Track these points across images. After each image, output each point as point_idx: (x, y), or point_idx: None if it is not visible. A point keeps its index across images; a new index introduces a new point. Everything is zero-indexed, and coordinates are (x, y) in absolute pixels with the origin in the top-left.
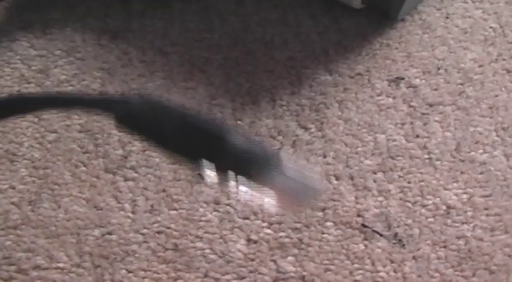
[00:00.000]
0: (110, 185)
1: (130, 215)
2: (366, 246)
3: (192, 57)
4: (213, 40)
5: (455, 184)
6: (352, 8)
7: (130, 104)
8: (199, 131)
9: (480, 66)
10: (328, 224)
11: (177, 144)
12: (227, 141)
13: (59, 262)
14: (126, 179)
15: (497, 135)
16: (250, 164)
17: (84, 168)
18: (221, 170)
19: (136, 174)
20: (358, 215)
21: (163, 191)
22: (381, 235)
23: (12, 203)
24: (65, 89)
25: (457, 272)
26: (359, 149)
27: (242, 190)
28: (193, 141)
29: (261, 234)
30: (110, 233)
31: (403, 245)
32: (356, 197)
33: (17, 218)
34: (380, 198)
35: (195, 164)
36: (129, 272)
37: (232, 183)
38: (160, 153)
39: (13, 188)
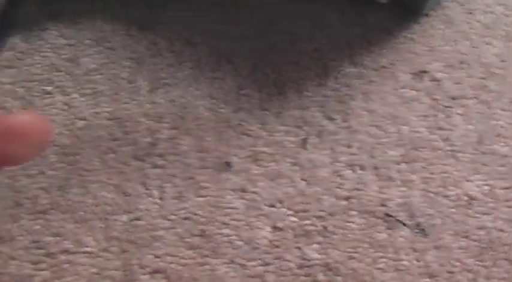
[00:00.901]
0: (138, 171)
1: (158, 201)
2: (389, 235)
3: (220, 47)
4: (239, 31)
5: (476, 176)
6: (377, 3)
7: None
8: None
9: (502, 61)
10: (352, 212)
11: None
12: None
13: (87, 246)
14: (154, 166)
15: None
16: None
17: (112, 155)
18: None
19: (164, 162)
20: (382, 205)
21: (191, 178)
22: (404, 224)
23: (42, 188)
24: (94, 78)
25: (477, 262)
26: (383, 140)
27: None
28: None
29: (286, 222)
30: (137, 219)
31: (426, 234)
32: (380, 187)
33: (46, 203)
34: (403, 188)
35: None
36: (156, 257)
37: None
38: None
39: (43, 173)
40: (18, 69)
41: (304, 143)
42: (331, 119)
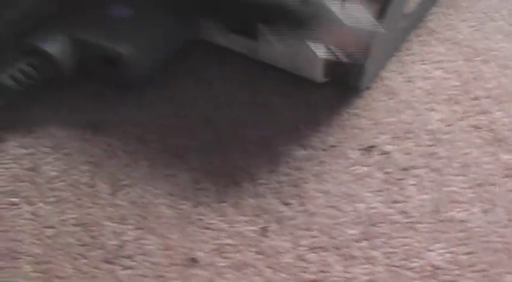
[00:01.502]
0: (109, 274)
1: None
2: None
3: (170, 143)
4: (187, 125)
5: (437, 245)
6: (319, 82)
7: None
8: None
9: (448, 125)
10: None
11: None
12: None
13: None
14: (124, 268)
15: (473, 192)
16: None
17: (84, 260)
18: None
19: (133, 263)
20: None
21: (161, 276)
22: None
23: None
24: (56, 185)
25: None
26: (341, 219)
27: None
28: None
29: None
30: None
31: None
32: (344, 266)
33: None
34: (367, 266)
35: None
36: None
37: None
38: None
39: None
40: None
41: (264, 231)
42: (287, 204)
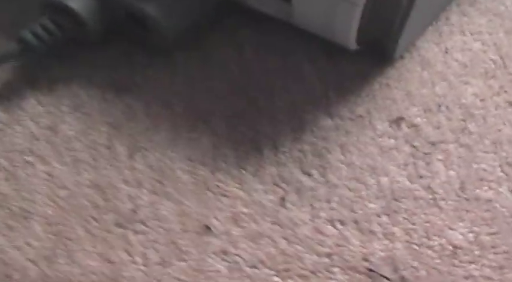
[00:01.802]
0: (121, 238)
1: (142, 267)
2: None
3: (196, 108)
4: (215, 89)
5: (460, 223)
6: (350, 50)
7: None
8: None
9: (482, 100)
10: (335, 269)
11: None
12: None
13: None
14: (136, 233)
15: (502, 171)
16: None
17: (95, 223)
18: None
19: (145, 228)
20: (365, 260)
21: (173, 242)
22: (388, 279)
23: (29, 260)
24: (73, 145)
25: None
26: (363, 193)
27: None
28: None
29: None
30: None
31: None
32: (361, 241)
33: (34, 274)
34: (385, 242)
35: None
36: None
37: None
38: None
39: (29, 244)
40: None
41: (282, 201)
42: (309, 174)
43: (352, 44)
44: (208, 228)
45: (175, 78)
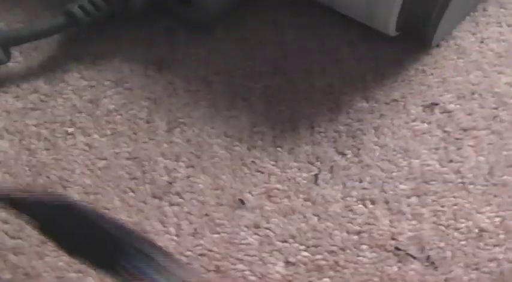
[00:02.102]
0: (156, 209)
1: (175, 238)
2: (399, 268)
3: (234, 85)
4: (254, 68)
5: (488, 207)
6: (388, 35)
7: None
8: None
9: None
10: (364, 247)
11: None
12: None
13: None
14: (171, 204)
15: None
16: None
17: (132, 194)
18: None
19: (181, 200)
20: (393, 238)
21: (207, 215)
22: (414, 258)
23: None
24: (113, 118)
25: None
26: (394, 174)
27: None
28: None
29: (299, 257)
30: None
31: (436, 267)
32: (390, 221)
33: None
34: (414, 222)
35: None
36: None
37: None
38: (202, 180)
39: None
40: (42, 111)
41: (315, 178)
42: (343, 154)
43: (391, 31)
44: (242, 202)
45: (215, 56)
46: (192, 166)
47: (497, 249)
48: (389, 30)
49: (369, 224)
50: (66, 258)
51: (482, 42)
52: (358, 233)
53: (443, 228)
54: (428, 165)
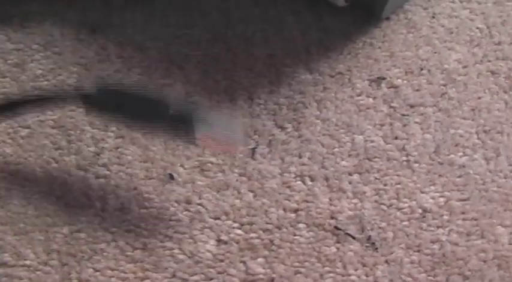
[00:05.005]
0: (80, 182)
1: (100, 213)
2: (338, 248)
3: (171, 53)
4: (193, 36)
5: (432, 187)
6: (336, 6)
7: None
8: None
9: (464, 67)
10: (301, 225)
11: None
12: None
13: (25, 260)
14: (97, 177)
15: (478, 138)
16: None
17: (55, 165)
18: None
19: (108, 172)
20: (332, 217)
21: (135, 189)
22: (354, 238)
23: None
24: (40, 84)
25: (430, 277)
26: (335, 149)
27: None
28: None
29: (232, 235)
30: (78, 231)
31: (376, 248)
32: (330, 199)
33: None
34: (354, 201)
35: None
36: (96, 270)
37: None
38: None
39: None
40: None
41: (253, 152)
42: (282, 127)
43: (340, 1)
44: (171, 176)
45: (153, 22)
46: (122, 137)
47: (440, 230)
48: (337, 1)
49: (307, 201)
50: None
51: (433, 17)
52: (296, 210)
53: (385, 207)
54: (372, 141)
